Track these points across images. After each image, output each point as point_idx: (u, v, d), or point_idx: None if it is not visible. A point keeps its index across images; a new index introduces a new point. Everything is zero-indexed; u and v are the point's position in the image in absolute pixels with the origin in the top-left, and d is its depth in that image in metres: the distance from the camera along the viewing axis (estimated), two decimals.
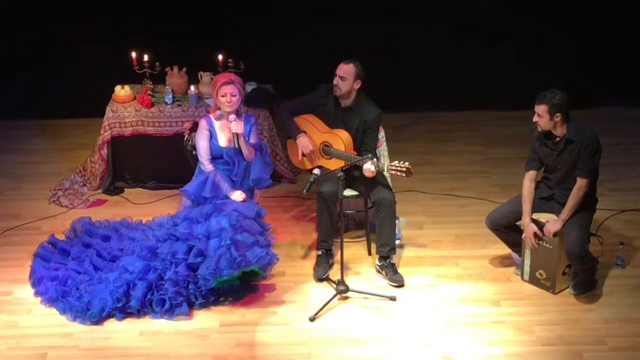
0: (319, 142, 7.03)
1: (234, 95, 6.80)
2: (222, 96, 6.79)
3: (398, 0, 8.92)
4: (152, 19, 8.82)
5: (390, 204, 6.87)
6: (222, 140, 6.90)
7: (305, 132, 7.05)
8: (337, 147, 6.94)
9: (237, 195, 6.80)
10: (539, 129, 6.53)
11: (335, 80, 6.87)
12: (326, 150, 7.01)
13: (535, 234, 6.62)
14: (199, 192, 6.81)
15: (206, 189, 6.80)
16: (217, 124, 6.91)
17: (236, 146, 6.82)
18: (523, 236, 6.73)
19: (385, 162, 7.20)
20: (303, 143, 7.01)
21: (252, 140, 6.93)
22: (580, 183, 6.54)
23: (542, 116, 6.45)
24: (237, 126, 6.79)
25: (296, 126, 7.06)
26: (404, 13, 8.95)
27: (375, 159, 6.71)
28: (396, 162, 6.63)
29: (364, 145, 6.95)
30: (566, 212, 6.55)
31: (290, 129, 7.08)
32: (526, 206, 6.67)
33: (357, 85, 6.90)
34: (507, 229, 6.81)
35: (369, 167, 6.68)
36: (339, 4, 8.93)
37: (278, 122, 7.53)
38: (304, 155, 7.05)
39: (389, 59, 8.99)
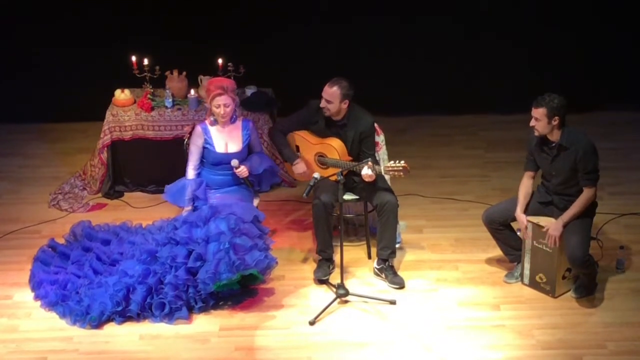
0: (312, 153, 7.04)
1: (227, 106, 6.81)
2: (216, 107, 6.81)
3: (399, 3, 8.92)
4: (152, 22, 8.83)
5: (394, 207, 6.87)
6: (220, 146, 6.91)
7: (299, 156, 7.06)
8: (331, 156, 6.94)
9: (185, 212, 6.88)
10: (536, 134, 6.52)
11: (323, 103, 6.85)
12: (322, 160, 7.01)
13: (525, 225, 6.64)
14: (177, 199, 6.89)
15: (183, 198, 6.89)
16: (212, 130, 6.92)
17: (250, 187, 6.96)
18: (520, 233, 6.73)
19: (382, 164, 7.21)
20: (300, 170, 7.04)
21: (256, 147, 6.98)
22: (588, 193, 6.54)
23: (539, 120, 6.45)
24: (243, 170, 6.86)
25: (291, 152, 7.08)
26: (404, 15, 8.96)
27: (371, 163, 6.70)
28: (392, 162, 6.63)
29: (362, 153, 6.94)
30: (568, 216, 6.55)
31: (286, 154, 7.09)
32: (520, 199, 6.70)
33: (345, 105, 6.87)
34: (502, 227, 6.82)
35: (367, 172, 6.68)
36: (339, 5, 8.93)
37: (271, 142, 7.57)
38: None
39: (388, 62, 9.00)
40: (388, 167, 6.63)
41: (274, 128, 7.31)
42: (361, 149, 6.95)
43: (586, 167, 6.48)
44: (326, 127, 6.97)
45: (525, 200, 6.71)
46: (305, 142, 7.06)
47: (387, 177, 7.02)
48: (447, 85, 9.11)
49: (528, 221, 6.67)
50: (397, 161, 6.61)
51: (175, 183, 6.98)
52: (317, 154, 7.03)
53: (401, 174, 6.60)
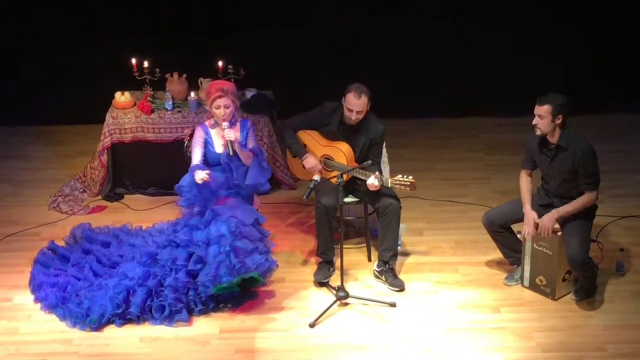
0: (319, 155, 7.04)
1: (228, 107, 6.81)
2: (216, 108, 6.81)
3: (399, 6, 8.93)
4: (152, 25, 8.82)
5: (396, 209, 6.87)
6: (219, 147, 6.91)
7: (308, 151, 7.05)
8: (338, 160, 6.94)
9: (198, 175, 6.72)
10: (538, 132, 6.52)
11: (353, 116, 6.79)
12: (328, 163, 7.01)
13: (534, 221, 6.63)
14: (189, 185, 6.82)
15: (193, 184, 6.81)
16: (212, 132, 6.93)
17: (231, 153, 6.83)
18: (523, 233, 6.71)
19: (385, 168, 7.21)
20: (311, 164, 7.01)
21: (250, 144, 6.94)
22: (590, 197, 6.53)
23: (543, 117, 6.45)
24: (231, 133, 6.80)
25: (301, 146, 7.07)
26: (405, 17, 8.97)
27: (378, 172, 6.70)
28: (399, 176, 6.63)
29: (368, 158, 6.93)
30: (563, 211, 6.53)
31: (295, 149, 7.08)
32: (525, 196, 6.69)
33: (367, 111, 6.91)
34: (502, 229, 6.81)
35: (372, 182, 6.68)
36: (339, 8, 8.93)
37: (279, 138, 7.54)
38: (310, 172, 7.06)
39: (389, 64, 8.99)
40: (395, 180, 6.63)
41: (284, 124, 7.26)
42: (368, 155, 6.94)
43: (586, 170, 6.48)
44: (337, 130, 6.96)
45: (530, 195, 6.69)
46: (314, 142, 7.05)
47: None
48: (448, 87, 9.11)
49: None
50: (406, 176, 6.61)
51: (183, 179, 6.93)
52: (323, 156, 7.03)
53: (407, 188, 6.60)
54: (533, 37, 9.02)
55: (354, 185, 7.02)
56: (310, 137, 7.08)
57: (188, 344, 6.42)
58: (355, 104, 6.77)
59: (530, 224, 6.62)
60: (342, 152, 6.92)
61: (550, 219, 6.55)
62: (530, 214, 6.64)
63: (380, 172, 6.88)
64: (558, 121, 6.45)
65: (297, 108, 7.25)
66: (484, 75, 9.11)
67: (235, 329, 6.56)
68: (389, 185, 6.70)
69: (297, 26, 8.93)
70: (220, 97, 6.79)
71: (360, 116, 6.83)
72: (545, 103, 6.44)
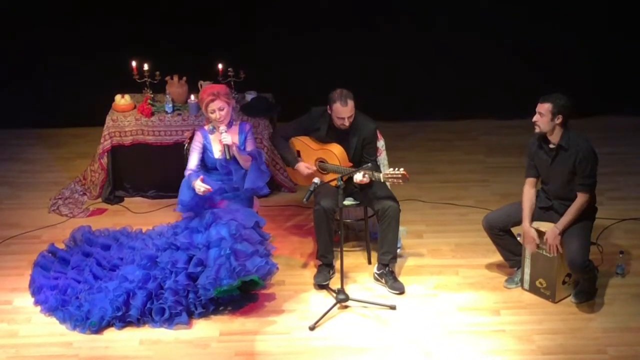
0: (313, 159, 7.04)
1: (222, 109, 6.81)
2: (212, 113, 6.82)
3: (398, 9, 8.93)
4: (152, 28, 8.83)
5: (396, 212, 6.87)
6: (217, 153, 6.92)
7: (300, 158, 7.07)
8: (331, 162, 6.95)
9: (197, 185, 6.71)
10: (537, 130, 6.52)
11: (347, 122, 6.81)
12: (322, 166, 7.02)
13: (534, 239, 6.63)
14: (190, 198, 6.82)
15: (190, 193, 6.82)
16: (211, 137, 6.94)
17: (228, 157, 6.84)
18: (523, 241, 6.72)
19: (383, 170, 7.21)
20: (303, 172, 7.03)
21: (249, 147, 6.95)
22: (582, 199, 6.53)
23: (544, 115, 6.45)
24: (227, 137, 6.80)
25: (293, 156, 7.08)
26: (404, 22, 8.97)
27: (366, 169, 6.70)
28: (391, 169, 6.65)
29: (363, 159, 6.94)
30: (563, 224, 6.54)
31: (287, 158, 7.10)
32: (525, 211, 6.67)
33: None
34: (502, 232, 6.81)
35: (360, 179, 6.69)
36: (339, 12, 8.94)
37: (274, 146, 7.58)
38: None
39: (388, 67, 9.00)
40: (387, 174, 6.65)
41: (275, 133, 7.32)
42: (363, 155, 6.96)
43: (584, 171, 6.48)
44: (327, 134, 6.97)
45: (531, 211, 6.66)
46: (306, 147, 7.07)
47: (387, 183, 7.03)
48: (447, 90, 9.11)
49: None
50: (396, 169, 6.62)
51: (181, 191, 6.94)
52: (317, 160, 7.04)
53: (400, 181, 6.61)
54: (532, 40, 9.01)
55: (352, 188, 7.02)
56: (302, 143, 7.09)
57: (188, 347, 6.42)
58: (344, 111, 6.78)
59: (531, 243, 6.63)
60: (334, 154, 6.93)
61: (553, 236, 6.54)
62: (529, 232, 6.63)
63: (379, 171, 6.87)
64: (557, 121, 6.45)
65: (297, 111, 7.25)
66: (483, 77, 9.10)
67: (235, 332, 6.56)
68: (382, 180, 6.71)
69: (298, 29, 8.93)
70: (212, 100, 6.80)
71: (352, 119, 6.83)
72: (547, 101, 6.44)
